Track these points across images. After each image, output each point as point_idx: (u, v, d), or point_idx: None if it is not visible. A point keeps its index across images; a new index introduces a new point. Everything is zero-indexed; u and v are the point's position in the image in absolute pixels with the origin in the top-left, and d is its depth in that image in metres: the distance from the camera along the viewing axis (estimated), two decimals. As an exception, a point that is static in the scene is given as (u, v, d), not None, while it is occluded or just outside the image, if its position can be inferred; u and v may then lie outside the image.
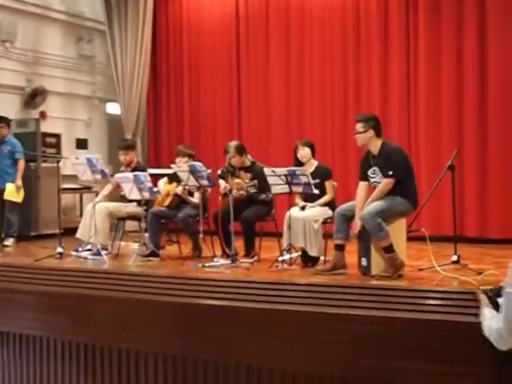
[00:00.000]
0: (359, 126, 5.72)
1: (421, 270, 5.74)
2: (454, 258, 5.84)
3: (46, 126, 9.96)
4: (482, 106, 8.17)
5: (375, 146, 5.69)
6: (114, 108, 11.13)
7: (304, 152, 6.57)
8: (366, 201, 5.65)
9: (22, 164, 8.56)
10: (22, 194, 8.44)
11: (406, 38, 8.69)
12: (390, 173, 5.54)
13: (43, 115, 10.10)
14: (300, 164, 6.53)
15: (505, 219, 7.87)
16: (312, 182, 6.09)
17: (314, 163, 6.61)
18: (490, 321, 3.19)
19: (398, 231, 5.56)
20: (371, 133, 5.68)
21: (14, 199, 8.34)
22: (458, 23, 8.30)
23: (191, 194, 7.12)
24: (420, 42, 8.56)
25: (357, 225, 5.58)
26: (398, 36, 8.72)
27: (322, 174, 6.46)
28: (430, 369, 3.77)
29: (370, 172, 5.73)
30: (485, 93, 8.16)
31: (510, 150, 8.00)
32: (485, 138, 8.15)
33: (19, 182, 8.42)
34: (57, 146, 9.95)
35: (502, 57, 8.04)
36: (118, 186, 7.33)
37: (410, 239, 5.80)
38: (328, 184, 6.47)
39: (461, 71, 8.30)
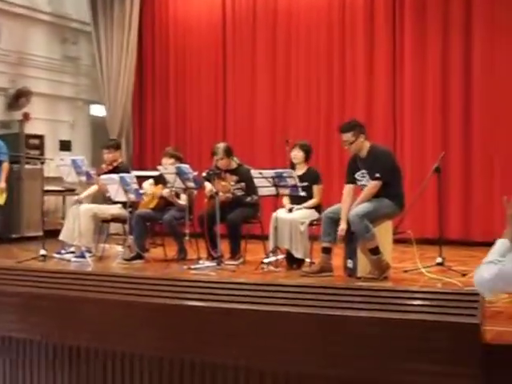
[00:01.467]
0: (349, 136, 5.70)
1: (405, 271, 5.77)
2: (439, 260, 5.88)
3: (30, 128, 9.89)
4: (466, 108, 8.27)
5: (364, 149, 5.72)
6: (98, 110, 11.08)
7: (298, 154, 6.61)
8: (351, 204, 5.67)
9: (6, 166, 8.45)
10: (4, 196, 8.35)
11: (391, 40, 8.76)
12: (378, 175, 5.56)
13: (27, 116, 10.01)
14: (293, 164, 6.56)
15: (488, 222, 7.91)
16: (300, 184, 6.11)
17: (305, 167, 6.63)
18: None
19: (384, 233, 5.59)
20: (362, 137, 5.71)
21: (-3, 201, 8.26)
22: (443, 26, 8.39)
23: (177, 195, 7.10)
24: (406, 44, 8.64)
25: (342, 228, 5.58)
26: (384, 39, 8.79)
27: (311, 178, 6.48)
28: (421, 369, 3.78)
29: (357, 175, 5.75)
30: (469, 95, 8.26)
31: (494, 153, 8.08)
32: (469, 141, 8.25)
33: (3, 184, 8.33)
34: (40, 147, 9.88)
35: (486, 59, 8.14)
36: (101, 187, 7.31)
37: (392, 241, 5.83)
38: (316, 188, 6.50)
39: (446, 74, 8.39)
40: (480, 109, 8.17)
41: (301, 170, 6.57)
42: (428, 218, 8.11)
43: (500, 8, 8.06)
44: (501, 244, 3.06)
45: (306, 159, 6.66)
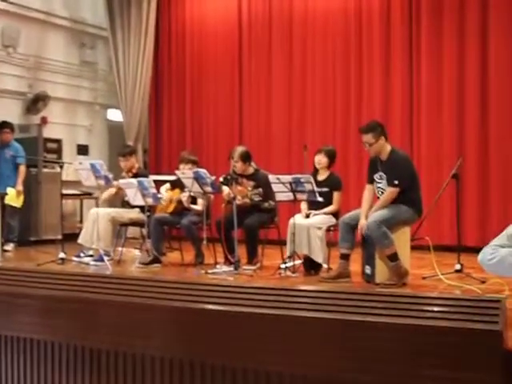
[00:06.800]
0: (369, 137, 5.72)
1: (424, 278, 5.78)
2: (458, 266, 5.89)
3: (47, 132, 10.00)
4: (483, 112, 8.24)
5: (385, 151, 5.74)
6: (115, 114, 11.17)
7: (323, 160, 6.61)
8: (372, 202, 5.70)
9: (22, 169, 8.58)
10: (21, 199, 8.42)
11: (408, 45, 8.76)
12: (396, 182, 5.58)
13: (44, 120, 10.12)
14: (316, 169, 6.59)
15: (505, 228, 7.88)
16: (321, 189, 6.14)
17: (327, 172, 6.65)
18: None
19: (402, 240, 5.61)
20: (383, 139, 5.73)
21: (14, 204, 8.32)
22: (459, 32, 8.38)
23: (194, 200, 7.15)
24: (422, 50, 8.63)
25: (361, 227, 5.59)
26: (400, 44, 8.80)
27: (332, 184, 6.50)
28: (441, 376, 3.81)
29: (376, 176, 5.77)
30: (486, 99, 8.23)
31: (511, 158, 8.07)
32: (486, 147, 8.22)
33: (20, 187, 8.42)
34: (58, 151, 9.98)
35: (503, 61, 8.11)
36: (117, 192, 7.37)
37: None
38: (336, 195, 6.50)
39: (462, 77, 8.37)
40: (497, 112, 8.13)
41: (323, 175, 6.59)
42: (445, 225, 8.12)
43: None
44: None
45: (330, 165, 6.67)
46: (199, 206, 7.06)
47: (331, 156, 6.64)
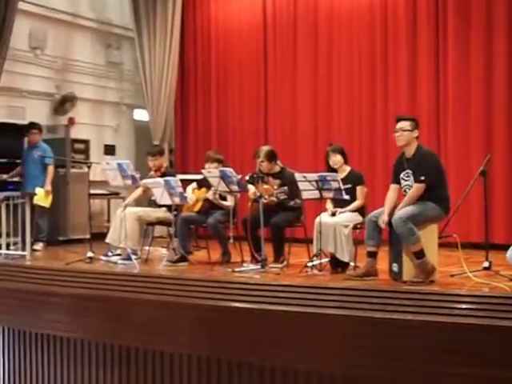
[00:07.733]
0: (406, 124, 5.68)
1: (452, 276, 5.73)
2: (486, 264, 5.82)
3: (75, 132, 10.08)
4: (511, 108, 8.14)
5: (412, 148, 5.69)
6: (141, 114, 11.25)
7: (336, 159, 6.59)
8: (395, 201, 5.66)
9: (51, 169, 8.68)
10: (50, 199, 8.52)
11: (434, 41, 8.68)
12: (422, 178, 5.54)
13: (72, 121, 10.22)
14: (332, 170, 6.56)
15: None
16: (343, 187, 6.11)
17: (347, 169, 6.62)
18: None
19: (430, 237, 5.56)
20: (417, 133, 5.70)
21: (43, 204, 8.42)
22: (487, 27, 8.27)
23: (223, 197, 7.17)
24: (449, 46, 8.53)
25: (383, 220, 5.56)
26: (426, 41, 8.72)
27: (354, 180, 6.47)
28: (470, 373, 3.79)
29: (402, 175, 5.73)
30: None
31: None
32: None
33: (48, 187, 8.52)
34: (85, 151, 10.07)
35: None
36: (145, 191, 7.43)
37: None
38: (359, 190, 6.47)
39: (490, 76, 8.27)
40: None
41: (343, 172, 6.56)
42: (472, 222, 8.03)
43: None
44: None
45: (345, 161, 6.65)
46: (229, 202, 7.08)
47: (341, 152, 6.63)
